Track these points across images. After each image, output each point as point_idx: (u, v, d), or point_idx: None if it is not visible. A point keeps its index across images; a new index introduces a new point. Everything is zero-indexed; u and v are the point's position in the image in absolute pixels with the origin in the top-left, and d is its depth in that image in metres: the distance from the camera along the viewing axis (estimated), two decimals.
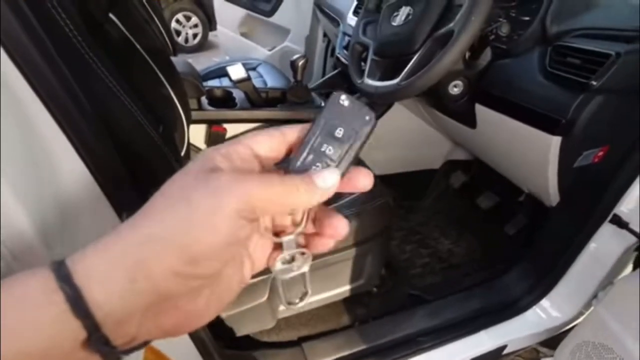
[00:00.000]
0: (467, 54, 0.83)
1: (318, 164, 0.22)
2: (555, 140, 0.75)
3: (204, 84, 1.27)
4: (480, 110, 0.90)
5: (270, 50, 2.32)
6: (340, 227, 0.23)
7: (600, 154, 0.80)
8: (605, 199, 0.84)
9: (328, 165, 0.22)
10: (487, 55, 0.85)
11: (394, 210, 0.97)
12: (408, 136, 1.40)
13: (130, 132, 0.56)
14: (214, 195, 0.18)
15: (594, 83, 0.66)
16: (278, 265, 0.23)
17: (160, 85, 0.86)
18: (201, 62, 2.80)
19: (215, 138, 1.12)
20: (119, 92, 0.53)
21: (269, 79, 1.64)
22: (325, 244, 0.23)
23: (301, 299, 0.26)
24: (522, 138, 0.82)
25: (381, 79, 0.87)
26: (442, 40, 0.72)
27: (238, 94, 1.24)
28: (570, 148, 0.76)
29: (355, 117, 0.23)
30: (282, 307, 0.87)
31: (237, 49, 2.56)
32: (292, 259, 0.23)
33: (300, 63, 1.22)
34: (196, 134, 1.11)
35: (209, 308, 0.20)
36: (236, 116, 1.13)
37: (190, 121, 1.03)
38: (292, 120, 1.20)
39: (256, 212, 0.19)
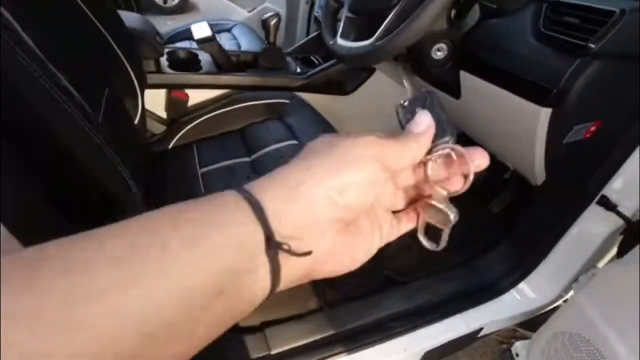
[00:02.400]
0: (453, 12, 0.73)
1: None
2: (545, 112, 0.67)
3: (171, 46, 1.15)
4: (466, 78, 0.80)
5: (249, 11, 2.16)
6: (479, 157, 0.25)
7: (593, 129, 0.72)
8: (594, 179, 0.77)
9: None
10: (475, 13, 0.75)
11: None
12: (390, 106, 1.31)
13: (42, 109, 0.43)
14: (357, 145, 0.22)
15: (592, 46, 0.57)
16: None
17: (103, 42, 0.75)
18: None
19: (175, 105, 1.01)
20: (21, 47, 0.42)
21: (243, 42, 1.51)
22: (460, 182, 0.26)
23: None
24: (509, 109, 0.74)
25: (356, 39, 0.77)
26: None
27: (204, 57, 1.12)
28: (561, 121, 0.68)
29: (418, 103, 0.26)
30: None
31: (216, 11, 2.39)
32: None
33: (272, 23, 1.10)
34: (154, 99, 1.01)
35: (344, 259, 0.23)
36: (199, 81, 1.02)
37: (145, 85, 0.92)
38: (263, 87, 1.10)
39: (388, 162, 0.23)
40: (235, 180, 0.83)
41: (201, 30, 1.02)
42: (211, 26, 1.60)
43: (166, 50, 1.10)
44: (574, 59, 0.60)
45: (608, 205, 0.76)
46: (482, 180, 1.26)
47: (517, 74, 0.66)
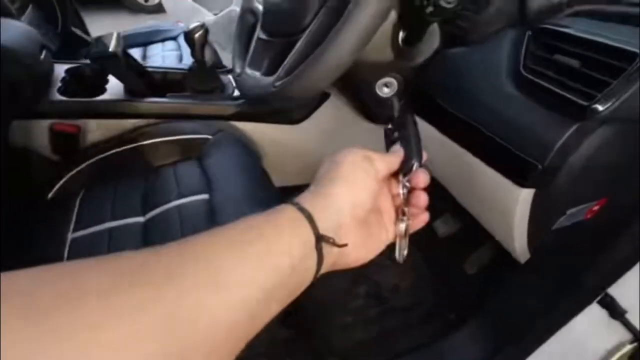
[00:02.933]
0: (401, 36, 0.52)
1: None
2: (526, 194, 0.45)
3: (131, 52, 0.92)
4: (423, 126, 0.59)
5: (216, 14, 1.95)
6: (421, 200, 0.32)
7: (596, 208, 0.51)
8: (595, 272, 0.56)
9: None
10: (432, 39, 0.53)
11: None
12: (349, 137, 1.09)
13: None
14: (353, 161, 0.30)
15: (600, 108, 0.35)
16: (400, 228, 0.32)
17: None
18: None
19: (60, 141, 0.79)
20: None
21: (187, 55, 1.29)
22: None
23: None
24: (477, 176, 0.52)
25: (267, 71, 0.55)
26: (338, 12, 0.40)
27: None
28: (549, 205, 0.46)
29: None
30: None
31: (181, 12, 2.18)
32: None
33: (197, 36, 0.88)
34: (40, 132, 0.79)
35: (361, 251, 0.29)
36: (94, 109, 0.80)
37: (14, 114, 0.71)
38: (183, 116, 0.88)
39: (377, 166, 0.30)
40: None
41: (104, 42, 0.80)
42: (132, 36, 1.38)
43: (65, 68, 0.88)
44: (570, 122, 0.38)
45: (614, 310, 0.55)
46: (457, 231, 1.05)
47: (487, 134, 0.44)
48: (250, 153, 0.84)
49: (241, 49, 0.60)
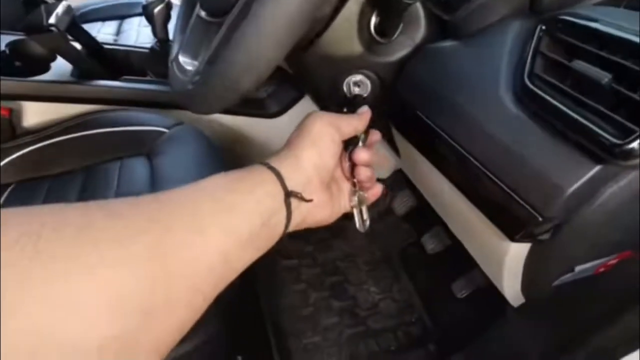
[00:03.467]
0: (373, 21, 0.39)
1: None
2: (518, 249, 0.34)
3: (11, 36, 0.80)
4: (399, 140, 0.47)
5: None
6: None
7: (613, 262, 0.39)
8: (604, 335, 0.44)
9: None
10: (414, 29, 0.40)
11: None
12: None
13: None
14: (319, 122, 0.32)
15: (638, 148, 0.23)
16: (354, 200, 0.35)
17: None
18: None
19: None
20: None
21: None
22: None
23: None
24: (462, 209, 0.40)
25: (200, 60, 0.43)
26: None
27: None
28: (550, 260, 0.35)
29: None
30: None
31: None
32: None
33: (157, 11, 0.76)
34: None
35: (326, 212, 0.32)
36: (29, 90, 0.69)
37: None
38: (137, 103, 0.76)
39: (342, 128, 0.32)
40: None
41: (43, 13, 0.68)
42: (100, 10, 1.25)
43: (8, 40, 0.77)
44: (589, 163, 0.26)
45: None
46: (447, 248, 0.94)
47: (472, 164, 0.32)
48: (212, 151, 0.73)
49: (181, 27, 0.48)
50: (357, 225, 0.37)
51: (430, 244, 0.94)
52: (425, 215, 0.96)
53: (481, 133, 0.32)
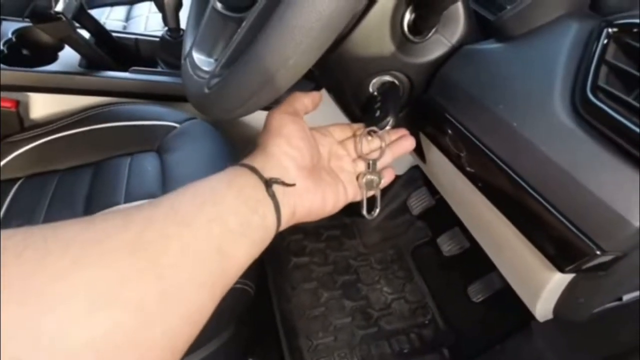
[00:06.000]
0: (408, 18, 0.36)
1: None
2: (562, 277, 0.31)
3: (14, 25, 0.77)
4: (429, 148, 0.44)
5: None
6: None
7: None
8: None
9: None
10: (453, 27, 0.37)
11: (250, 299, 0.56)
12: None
13: None
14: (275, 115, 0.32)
15: None
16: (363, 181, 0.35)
17: None
18: None
19: None
20: None
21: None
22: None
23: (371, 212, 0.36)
24: (496, 230, 0.37)
25: (219, 59, 0.40)
26: None
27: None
28: (596, 291, 0.32)
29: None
30: None
31: None
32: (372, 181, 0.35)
33: (167, 0, 0.72)
34: None
35: (317, 200, 0.31)
36: (37, 82, 0.67)
37: None
38: (147, 95, 0.74)
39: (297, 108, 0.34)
40: None
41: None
42: None
43: (14, 28, 0.74)
44: None
45: None
46: (464, 252, 0.91)
47: (517, 184, 0.29)
48: (225, 147, 0.70)
49: (194, 20, 0.44)
50: (364, 210, 0.36)
51: (447, 245, 0.92)
52: (441, 215, 0.93)
53: (529, 149, 0.28)
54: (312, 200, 0.31)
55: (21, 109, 0.68)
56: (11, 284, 0.16)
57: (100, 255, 0.19)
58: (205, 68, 0.37)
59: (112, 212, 0.22)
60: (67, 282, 0.17)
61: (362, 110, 0.43)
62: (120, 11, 1.17)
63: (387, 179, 0.37)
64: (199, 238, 0.22)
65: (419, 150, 0.51)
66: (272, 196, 0.27)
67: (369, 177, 0.35)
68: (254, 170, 0.28)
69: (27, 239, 0.18)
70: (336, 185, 0.33)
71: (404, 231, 1.04)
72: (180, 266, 0.21)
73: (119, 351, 0.18)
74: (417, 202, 0.99)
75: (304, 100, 0.34)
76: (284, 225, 0.29)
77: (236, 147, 0.73)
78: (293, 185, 0.29)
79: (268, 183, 0.27)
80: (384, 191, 1.13)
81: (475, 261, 0.83)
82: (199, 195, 0.24)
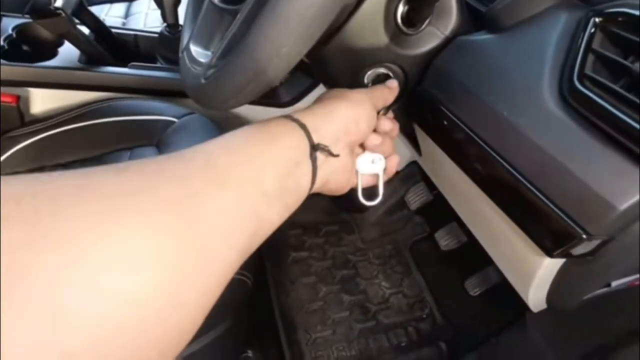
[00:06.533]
0: (401, 10, 0.36)
1: None
2: (552, 262, 0.31)
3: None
4: (424, 139, 0.45)
5: None
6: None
7: None
8: (631, 351, 0.42)
9: None
10: (446, 19, 0.37)
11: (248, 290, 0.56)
12: None
13: None
14: (359, 92, 0.32)
15: None
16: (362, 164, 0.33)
17: None
18: None
19: None
20: None
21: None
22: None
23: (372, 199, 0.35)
24: (488, 216, 0.38)
25: (216, 51, 0.41)
26: None
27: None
28: (585, 275, 0.32)
29: None
30: None
31: None
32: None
33: None
34: None
35: (343, 179, 0.31)
36: (36, 77, 0.67)
37: None
38: (146, 91, 0.74)
39: (376, 103, 0.33)
40: None
41: None
42: None
43: (14, 24, 0.74)
44: None
45: None
46: (462, 246, 0.91)
47: (507, 171, 0.30)
48: None
49: (192, 14, 0.45)
50: (360, 195, 0.34)
51: (445, 240, 0.92)
52: (439, 210, 0.93)
53: (519, 137, 0.29)
54: (342, 177, 0.30)
55: (22, 104, 0.69)
56: (45, 231, 0.15)
57: (136, 209, 0.18)
58: (202, 60, 0.37)
59: (147, 162, 0.21)
60: (103, 232, 0.16)
61: None
62: (119, 8, 1.17)
63: (393, 164, 0.35)
64: (233, 199, 0.21)
65: (414, 143, 0.52)
66: (314, 161, 0.26)
67: (376, 157, 0.33)
68: (304, 129, 0.27)
69: (61, 187, 0.17)
70: (353, 167, 0.33)
71: (402, 226, 1.05)
72: (214, 226, 0.20)
73: (159, 311, 0.17)
74: (415, 198, 1.00)
75: (384, 93, 0.35)
76: (316, 189, 0.28)
77: None
78: (337, 156, 0.28)
79: (314, 147, 0.26)
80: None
81: (473, 255, 0.83)
82: (236, 152, 0.23)
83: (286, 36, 0.24)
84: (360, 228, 1.05)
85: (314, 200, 1.02)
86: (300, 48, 0.25)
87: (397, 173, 1.10)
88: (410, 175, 1.04)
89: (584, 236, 0.26)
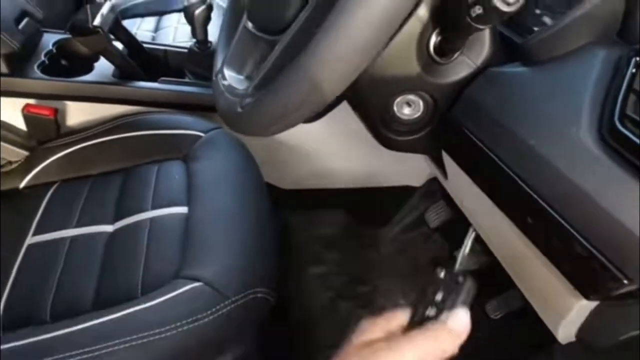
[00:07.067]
0: (434, 41, 0.36)
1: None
2: (587, 303, 0.30)
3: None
4: (451, 167, 0.45)
5: None
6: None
7: None
8: None
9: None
10: (478, 49, 0.37)
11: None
12: (370, 136, 0.94)
13: None
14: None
15: None
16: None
17: None
18: None
19: (33, 124, 0.70)
20: None
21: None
22: None
23: None
24: (520, 250, 0.37)
25: (250, 77, 0.42)
26: (325, 8, 0.26)
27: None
28: (622, 319, 0.31)
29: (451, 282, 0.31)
30: None
31: None
32: None
33: (197, 12, 0.75)
34: (13, 113, 0.70)
35: None
36: (72, 91, 0.70)
37: None
38: (175, 105, 0.76)
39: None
40: (68, 274, 0.52)
41: (88, 13, 0.68)
42: (137, 6, 1.26)
43: (55, 40, 0.78)
44: None
45: None
46: (483, 266, 0.89)
47: (542, 209, 0.29)
48: (248, 158, 0.72)
49: (225, 37, 0.46)
50: None
51: (465, 259, 0.90)
52: (460, 229, 0.92)
53: (556, 176, 0.29)
54: None
55: (59, 116, 0.72)
56: None
57: None
58: (236, 85, 0.38)
59: None
60: None
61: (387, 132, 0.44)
62: (150, 22, 1.22)
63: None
64: None
65: (440, 166, 0.51)
66: None
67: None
68: None
69: None
70: None
71: (421, 244, 1.04)
72: None
73: None
74: (435, 215, 0.98)
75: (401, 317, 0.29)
76: None
77: (256, 157, 0.75)
78: None
79: None
80: (401, 203, 1.11)
81: (494, 277, 0.82)
82: None
83: (328, 74, 0.25)
84: (379, 244, 1.04)
85: (334, 215, 1.02)
86: (340, 85, 0.26)
87: (416, 189, 1.09)
88: (430, 192, 1.04)
89: (625, 281, 0.25)
